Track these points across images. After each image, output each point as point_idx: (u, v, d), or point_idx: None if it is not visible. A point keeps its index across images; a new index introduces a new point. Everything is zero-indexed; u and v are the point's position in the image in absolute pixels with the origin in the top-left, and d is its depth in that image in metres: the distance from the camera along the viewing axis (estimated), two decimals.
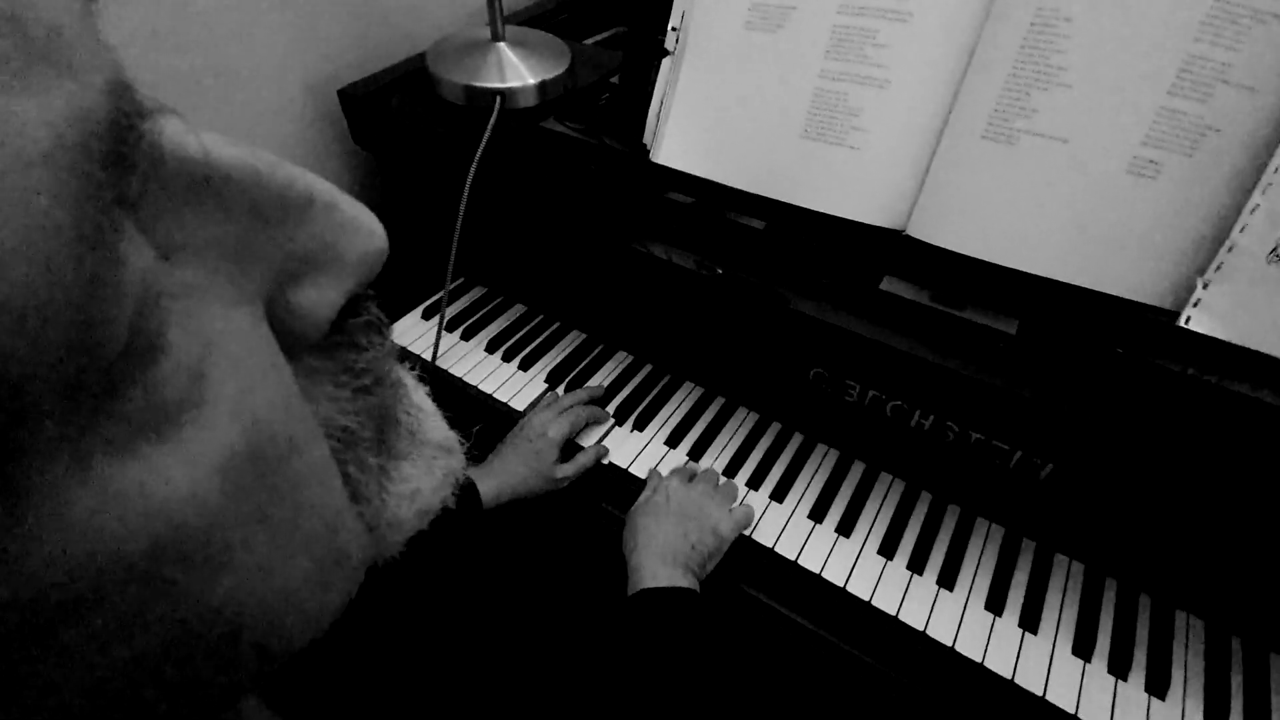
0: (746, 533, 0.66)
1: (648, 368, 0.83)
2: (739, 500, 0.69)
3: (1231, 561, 0.58)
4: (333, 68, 0.84)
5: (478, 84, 0.75)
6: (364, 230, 0.16)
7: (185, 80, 0.70)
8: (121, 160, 0.10)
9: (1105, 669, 0.58)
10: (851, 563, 0.65)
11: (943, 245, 0.56)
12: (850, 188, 0.59)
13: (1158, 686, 0.56)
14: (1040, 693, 0.56)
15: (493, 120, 0.71)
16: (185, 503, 0.12)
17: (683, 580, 0.58)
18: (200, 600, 0.12)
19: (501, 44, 0.78)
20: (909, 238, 0.57)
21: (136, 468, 0.11)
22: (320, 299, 0.16)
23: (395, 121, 0.79)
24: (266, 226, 0.15)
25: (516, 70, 0.76)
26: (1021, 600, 0.62)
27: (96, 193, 0.10)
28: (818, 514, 0.68)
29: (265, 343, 0.14)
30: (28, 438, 0.09)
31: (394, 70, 0.84)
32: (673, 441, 0.75)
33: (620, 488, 0.71)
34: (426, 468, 0.19)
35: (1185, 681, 0.57)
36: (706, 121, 0.64)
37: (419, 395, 0.20)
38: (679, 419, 0.77)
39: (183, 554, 0.12)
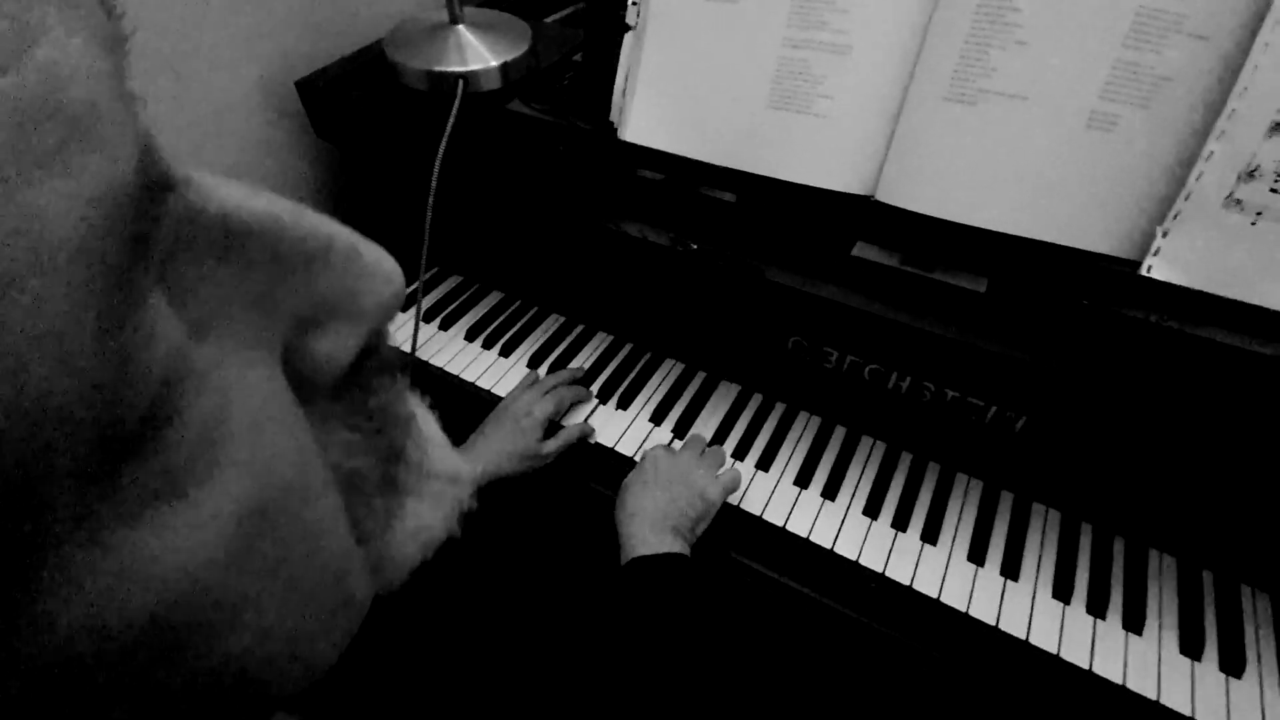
0: (735, 502, 0.68)
1: (628, 347, 0.83)
2: (726, 467, 0.70)
3: (1200, 499, 0.60)
4: (289, 59, 0.82)
5: (439, 69, 0.73)
6: (382, 276, 0.16)
7: (145, 77, 0.68)
8: (148, 237, 0.10)
9: (1084, 610, 0.60)
10: (838, 525, 0.66)
11: (911, 208, 0.56)
12: (818, 156, 0.59)
13: (1134, 623, 0.59)
14: (1024, 636, 0.58)
15: (456, 105, 0.70)
16: (199, 564, 0.12)
17: (673, 545, 0.59)
18: (213, 653, 0.12)
19: (460, 26, 0.76)
20: (878, 203, 0.58)
21: (150, 535, 0.11)
22: (338, 346, 0.15)
23: (357, 111, 0.78)
24: (288, 276, 0.14)
25: (477, 53, 0.75)
26: (1002, 550, 0.64)
27: (120, 278, 0.09)
28: (803, 480, 0.70)
29: (281, 395, 0.14)
30: (44, 522, 0.09)
31: (353, 59, 0.83)
32: (657, 418, 0.76)
33: (608, 467, 0.72)
34: (434, 502, 0.19)
35: (1160, 617, 0.60)
36: (672, 96, 0.63)
37: (429, 425, 0.20)
38: (662, 396, 0.78)
39: (195, 612, 0.12)
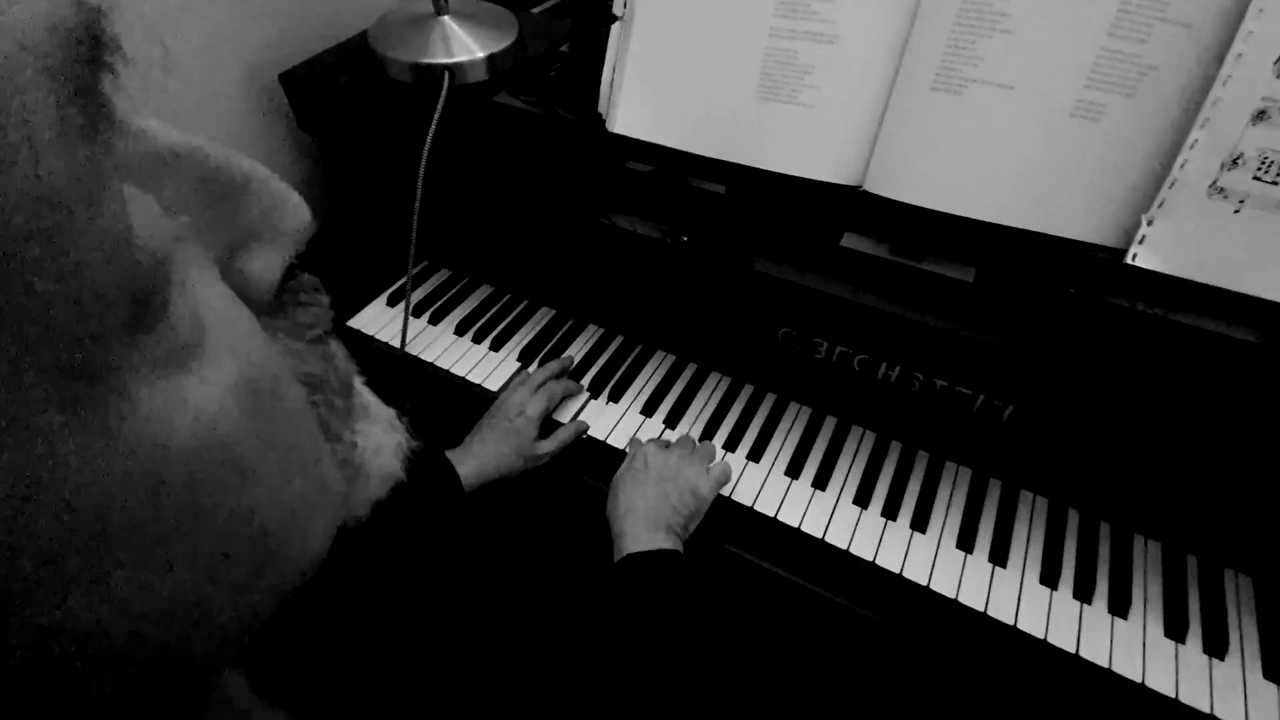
0: (726, 493, 0.68)
1: (619, 339, 0.83)
2: (717, 460, 0.71)
3: (1184, 485, 0.61)
4: (272, 51, 0.81)
5: (425, 60, 0.73)
6: (293, 204, 0.19)
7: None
8: (94, 90, 0.12)
9: (1071, 595, 0.61)
10: (829, 515, 0.67)
11: (899, 199, 0.57)
12: (807, 146, 0.59)
13: (1120, 607, 0.60)
14: (1011, 622, 0.59)
15: (443, 97, 0.69)
16: (214, 418, 0.14)
17: (666, 542, 0.59)
18: (239, 502, 0.15)
19: (446, 18, 0.75)
20: (866, 193, 0.58)
21: (170, 391, 0.13)
22: (266, 266, 0.18)
23: (341, 104, 0.77)
24: (216, 201, 0.17)
25: (464, 44, 0.74)
26: (990, 537, 0.65)
27: (87, 128, 0.11)
28: (794, 470, 0.70)
29: (235, 301, 0.17)
30: (104, 354, 0.12)
31: (337, 50, 0.82)
32: (648, 410, 0.76)
33: (600, 459, 0.72)
34: (384, 434, 0.22)
35: (1145, 601, 0.60)
36: (661, 87, 0.63)
37: (357, 383, 0.23)
38: (653, 388, 0.78)
39: (220, 458, 0.14)
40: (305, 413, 0.18)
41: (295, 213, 0.19)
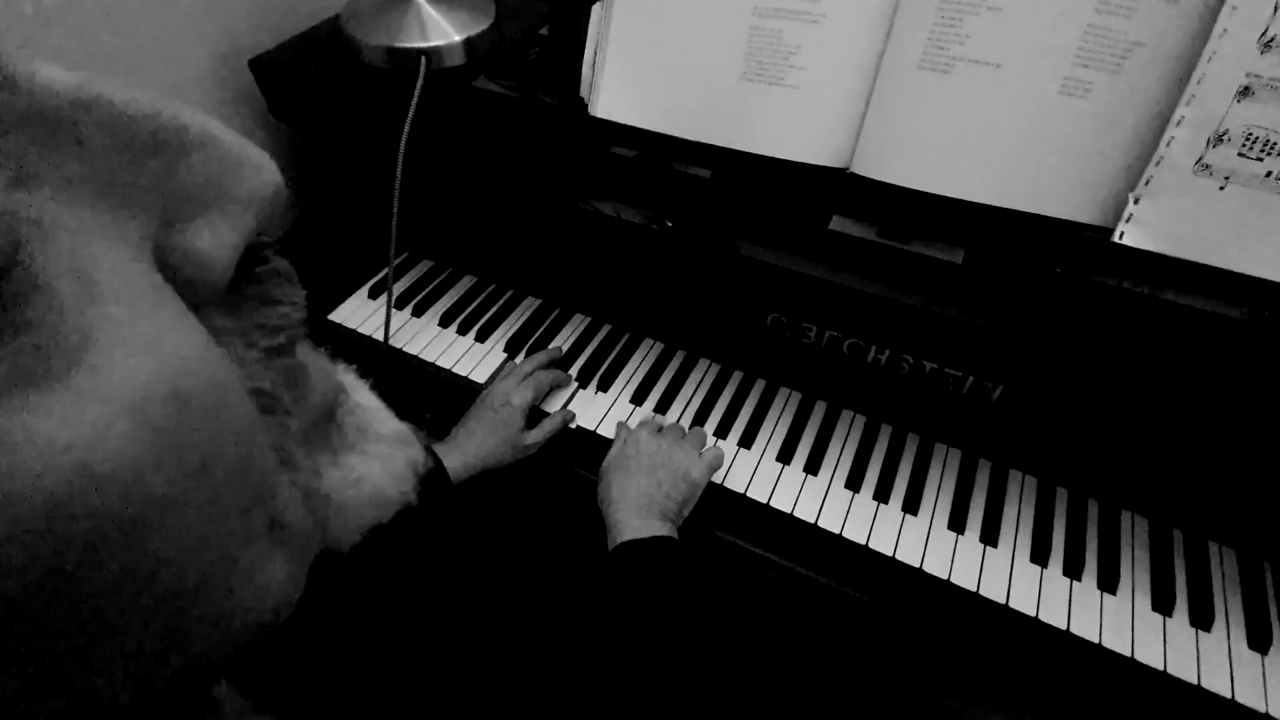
0: (718, 480, 0.68)
1: (606, 328, 0.82)
2: (709, 445, 0.70)
3: (1171, 460, 0.61)
4: (240, 36, 0.78)
5: (400, 45, 0.71)
6: (251, 164, 0.15)
7: (77, 57, 0.65)
8: None
9: (1061, 572, 0.61)
10: (821, 499, 0.67)
11: (887, 180, 0.56)
12: (793, 128, 0.58)
13: (1109, 583, 0.60)
14: (1003, 601, 0.60)
15: (420, 83, 0.67)
16: (88, 449, 0.11)
17: (660, 529, 0.59)
18: (125, 560, 0.11)
19: (421, 0, 0.73)
20: (854, 175, 0.57)
21: (21, 415, 0.10)
22: (215, 242, 0.15)
23: (314, 91, 0.75)
24: (137, 161, 0.14)
25: (440, 27, 0.72)
26: (981, 517, 0.65)
27: None
28: (785, 456, 0.70)
29: (162, 289, 0.13)
30: None
31: (309, 35, 0.79)
32: (638, 399, 0.75)
33: (590, 450, 0.71)
34: (379, 459, 0.19)
35: (1133, 576, 0.61)
36: (644, 70, 0.62)
37: (362, 394, 0.20)
38: (642, 376, 0.77)
39: (93, 507, 0.11)
40: (254, 435, 0.15)
41: (256, 174, 0.15)
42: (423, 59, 0.69)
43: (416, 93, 0.67)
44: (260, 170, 0.16)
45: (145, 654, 0.12)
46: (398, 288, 0.85)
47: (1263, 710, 0.53)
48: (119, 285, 0.12)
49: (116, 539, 0.11)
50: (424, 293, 0.85)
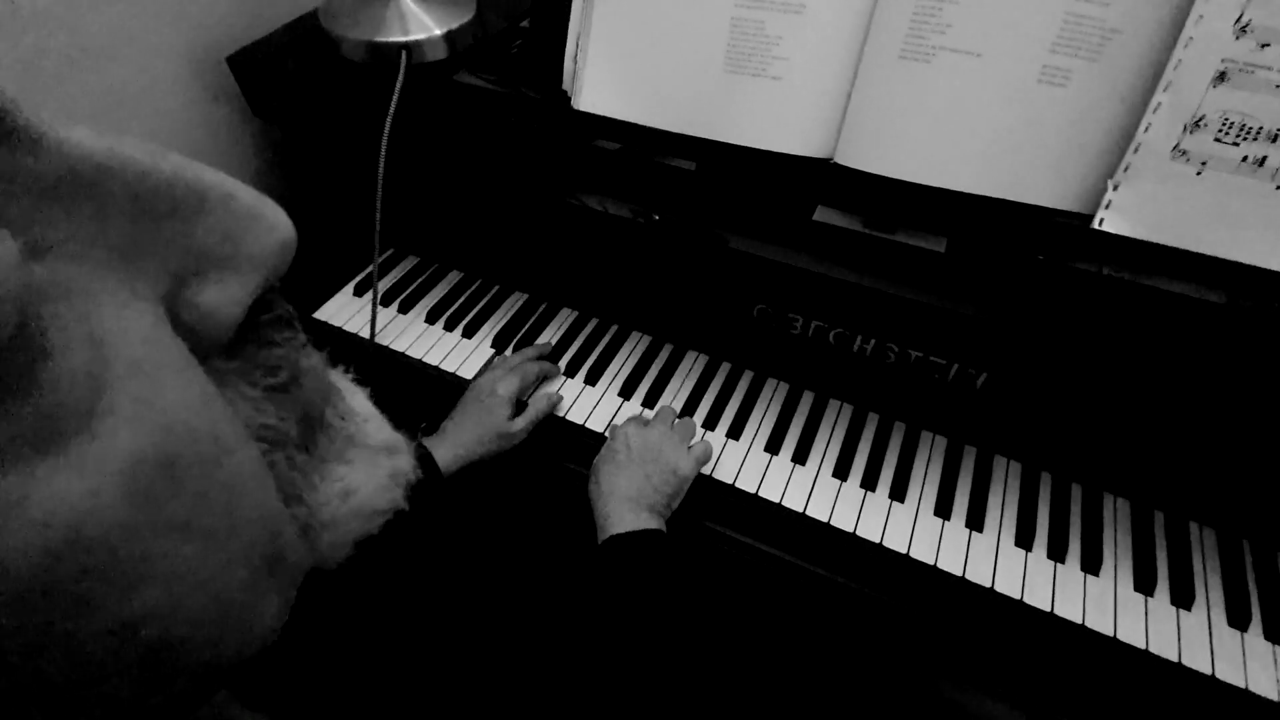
0: (707, 471, 0.68)
1: (594, 321, 0.82)
2: (697, 439, 0.70)
3: (1151, 443, 0.62)
4: (217, 32, 0.77)
5: (380, 39, 0.70)
6: (266, 222, 0.16)
7: (50, 61, 0.64)
8: None
9: (1045, 555, 0.62)
10: (809, 489, 0.67)
11: (870, 170, 0.56)
12: (776, 119, 0.58)
13: (1092, 565, 0.61)
14: (989, 585, 0.60)
15: (401, 77, 0.67)
16: (80, 514, 0.11)
17: (649, 522, 0.59)
18: (115, 616, 0.12)
19: None
20: (837, 165, 0.58)
21: (21, 483, 0.10)
22: (225, 298, 0.15)
23: (295, 87, 0.74)
24: (156, 223, 0.14)
25: (420, 21, 0.71)
26: (967, 503, 0.66)
27: None
28: (773, 446, 0.70)
29: (170, 344, 0.14)
30: None
31: (288, 30, 0.78)
32: (626, 392, 0.75)
33: (580, 444, 0.71)
34: (366, 470, 0.19)
35: (1116, 557, 0.62)
36: (626, 62, 0.62)
37: (358, 400, 0.20)
38: (630, 369, 0.77)
39: (84, 567, 0.11)
40: (258, 480, 0.15)
41: (269, 233, 0.16)
42: (403, 53, 0.69)
43: (398, 88, 0.66)
44: (274, 229, 0.16)
45: (126, 698, 0.13)
46: (383, 284, 0.84)
47: (1242, 686, 0.54)
48: (125, 349, 0.12)
49: (105, 594, 0.12)
50: (410, 289, 0.84)
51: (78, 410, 0.11)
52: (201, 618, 0.13)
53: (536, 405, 0.71)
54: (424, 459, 0.63)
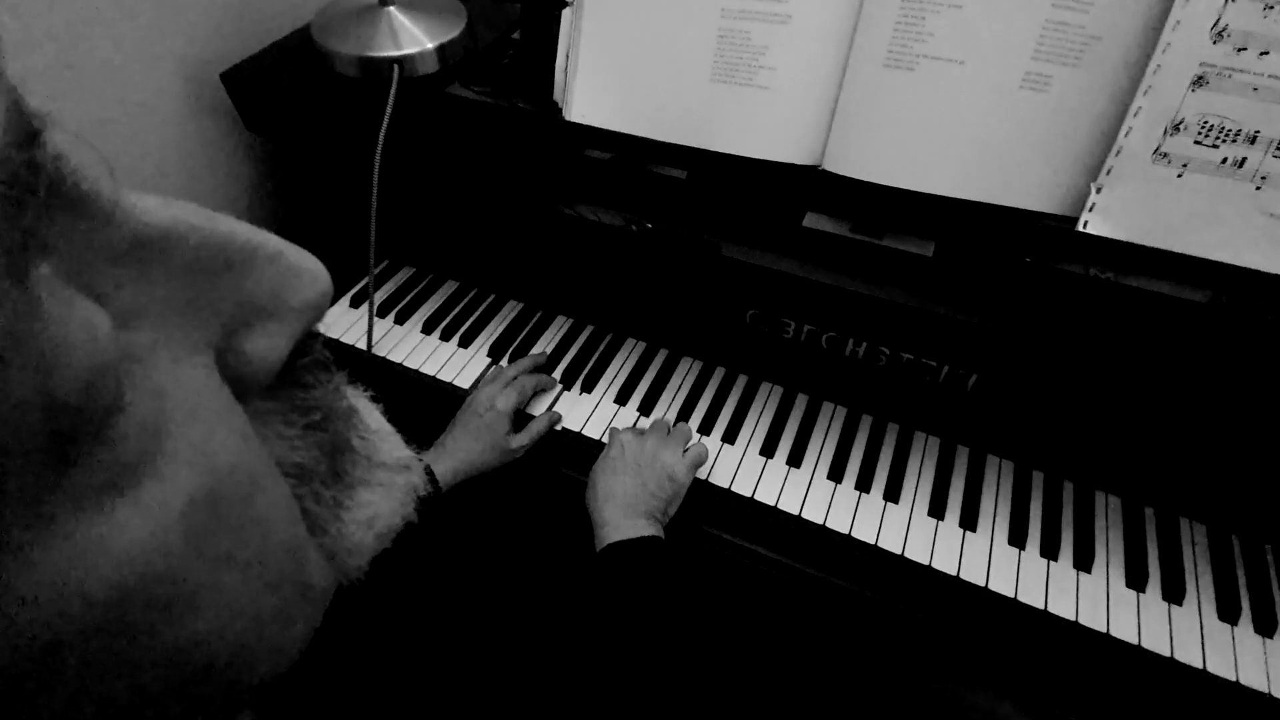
0: (703, 476, 0.69)
1: (589, 329, 0.83)
2: (693, 443, 0.71)
3: (1140, 440, 0.63)
4: (210, 49, 0.78)
5: (372, 54, 0.71)
6: (308, 276, 0.17)
7: (44, 78, 0.64)
8: (21, 202, 0.10)
9: (1038, 553, 0.63)
10: (804, 491, 0.68)
11: (857, 176, 0.57)
12: (764, 128, 0.59)
13: (1084, 562, 0.62)
14: (983, 584, 0.61)
15: (393, 91, 0.68)
16: (149, 551, 0.12)
17: (647, 529, 0.59)
18: (172, 643, 0.13)
19: (391, 8, 0.73)
20: (825, 172, 0.58)
21: (100, 522, 0.12)
22: (270, 346, 0.16)
23: (288, 102, 0.74)
24: (212, 280, 0.15)
25: (412, 35, 0.72)
26: (960, 503, 0.66)
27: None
28: (768, 450, 0.71)
29: (218, 390, 0.15)
30: None
31: (280, 46, 0.79)
32: (622, 399, 0.76)
33: (577, 451, 0.72)
34: (385, 491, 0.20)
35: (1108, 554, 0.63)
36: (616, 73, 0.62)
37: (374, 418, 0.21)
38: (625, 376, 0.78)
39: (150, 599, 0.12)
40: (286, 515, 0.16)
41: (311, 285, 0.17)
42: (395, 67, 0.69)
43: (390, 101, 0.67)
44: (316, 280, 0.17)
45: (175, 717, 0.14)
46: (379, 296, 0.85)
47: (1232, 679, 0.55)
48: (184, 398, 0.14)
49: (165, 624, 0.13)
50: (406, 300, 0.85)
51: (141, 457, 0.12)
52: (241, 641, 0.15)
53: (538, 424, 0.71)
54: (426, 473, 0.64)
